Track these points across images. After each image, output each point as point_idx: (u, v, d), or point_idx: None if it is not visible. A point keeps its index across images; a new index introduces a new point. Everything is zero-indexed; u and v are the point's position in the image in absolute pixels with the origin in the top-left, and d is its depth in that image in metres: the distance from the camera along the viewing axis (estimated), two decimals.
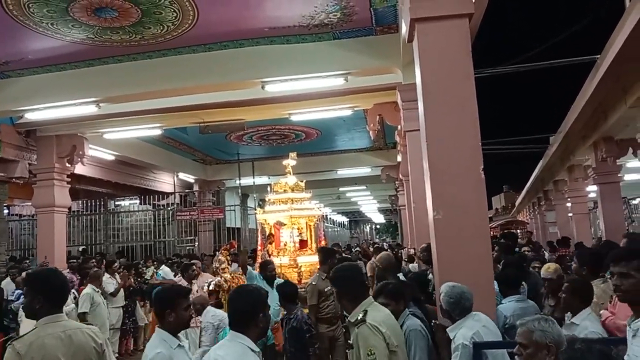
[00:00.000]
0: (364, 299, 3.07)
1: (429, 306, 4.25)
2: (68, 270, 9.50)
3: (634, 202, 12.44)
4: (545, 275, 4.64)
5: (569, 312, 3.59)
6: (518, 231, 23.28)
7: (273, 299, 6.39)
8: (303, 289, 7.60)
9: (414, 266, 7.29)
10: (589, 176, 11.16)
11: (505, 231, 17.16)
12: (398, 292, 3.64)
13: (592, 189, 13.57)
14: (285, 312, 5.70)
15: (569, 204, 15.00)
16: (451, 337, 3.31)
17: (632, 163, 12.17)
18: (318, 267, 7.39)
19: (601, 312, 3.70)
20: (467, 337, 3.19)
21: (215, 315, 5.40)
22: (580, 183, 13.22)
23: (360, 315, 2.96)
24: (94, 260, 10.21)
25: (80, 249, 15.88)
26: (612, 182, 10.04)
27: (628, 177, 15.05)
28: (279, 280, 6.86)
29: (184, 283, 7.49)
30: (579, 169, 12.87)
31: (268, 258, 8.95)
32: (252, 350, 2.51)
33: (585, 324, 3.31)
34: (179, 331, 3.00)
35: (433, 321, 3.68)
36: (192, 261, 9.24)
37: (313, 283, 6.46)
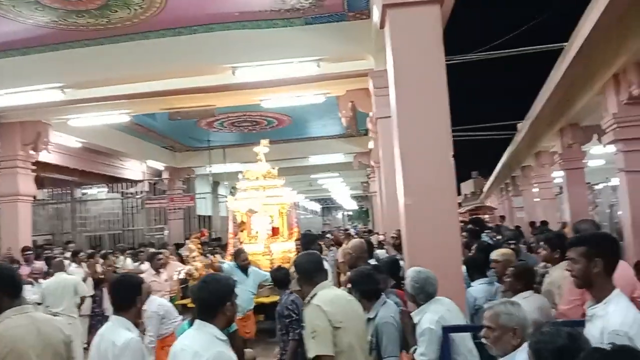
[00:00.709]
0: (319, 282, 3.13)
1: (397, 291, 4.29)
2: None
3: (597, 187, 12.77)
4: (493, 257, 4.74)
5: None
6: (487, 216, 23.72)
7: (247, 286, 6.38)
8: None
9: (382, 252, 7.35)
10: (555, 162, 11.41)
11: (473, 217, 17.46)
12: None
13: (558, 175, 13.90)
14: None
15: (535, 190, 15.33)
16: (415, 322, 3.36)
17: (596, 149, 12.48)
18: (296, 254, 7.39)
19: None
20: (432, 321, 3.24)
21: (161, 305, 5.35)
22: (547, 169, 13.51)
23: (309, 298, 3.07)
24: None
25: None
26: (577, 168, 10.28)
27: (592, 163, 15.47)
28: (253, 268, 6.84)
29: (151, 272, 7.38)
30: (546, 155, 13.14)
31: (240, 246, 8.93)
32: (219, 339, 2.50)
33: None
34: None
35: (401, 308, 3.73)
36: (161, 250, 9.11)
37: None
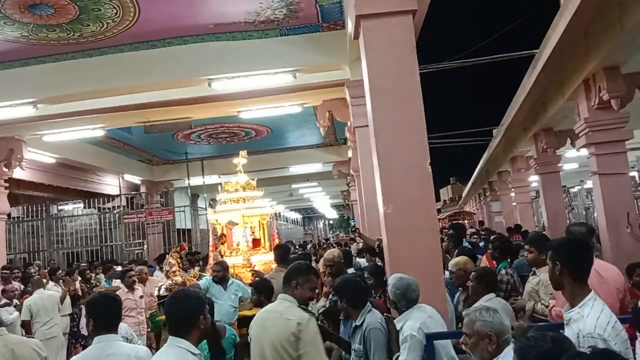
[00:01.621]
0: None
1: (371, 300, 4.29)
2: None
3: (573, 190, 12.99)
4: (450, 268, 4.81)
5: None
6: (466, 221, 23.95)
7: (226, 300, 6.23)
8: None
9: (362, 260, 7.35)
10: (531, 167, 11.58)
11: (454, 222, 17.60)
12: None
13: (534, 179, 14.10)
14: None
15: (512, 194, 15.53)
16: (398, 328, 3.36)
17: (571, 153, 12.71)
18: (274, 265, 7.30)
19: (550, 301, 3.92)
20: (414, 328, 3.25)
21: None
22: (523, 173, 13.71)
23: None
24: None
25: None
26: (552, 172, 10.44)
27: (567, 167, 15.74)
28: (233, 281, 6.73)
29: (124, 289, 7.25)
30: (521, 160, 13.33)
31: (220, 259, 8.83)
32: (192, 354, 2.46)
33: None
34: None
35: (384, 314, 3.73)
36: (139, 267, 8.92)
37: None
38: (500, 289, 4.76)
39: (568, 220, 10.67)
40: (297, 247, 14.40)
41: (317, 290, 3.18)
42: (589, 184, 10.42)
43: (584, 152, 7.22)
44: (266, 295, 4.98)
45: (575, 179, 15.48)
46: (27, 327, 7.06)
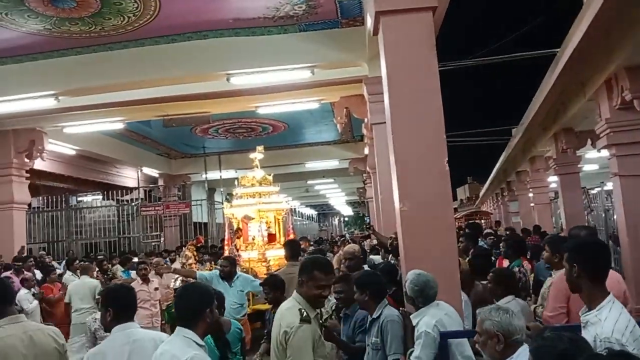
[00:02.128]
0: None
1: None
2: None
3: (592, 191, 12.82)
4: None
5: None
6: (482, 221, 23.78)
7: (230, 296, 6.13)
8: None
9: (377, 257, 7.34)
10: (550, 167, 11.44)
11: (470, 222, 17.48)
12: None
13: (553, 180, 13.93)
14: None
15: (531, 194, 15.36)
16: (414, 324, 3.36)
17: (591, 154, 12.53)
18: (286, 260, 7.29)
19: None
20: (430, 325, 3.24)
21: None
22: (542, 174, 13.55)
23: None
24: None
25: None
26: (572, 173, 10.31)
27: (587, 168, 15.52)
28: (239, 275, 6.69)
29: (139, 281, 7.32)
30: (540, 160, 13.18)
31: (236, 253, 8.90)
32: (197, 344, 2.54)
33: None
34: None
35: (400, 308, 3.74)
36: (156, 259, 8.98)
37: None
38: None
39: (587, 222, 10.52)
40: (312, 243, 14.39)
41: (325, 289, 3.04)
42: (609, 186, 10.25)
43: (605, 153, 7.12)
44: (280, 290, 4.97)
45: (595, 180, 15.26)
46: (66, 310, 7.35)
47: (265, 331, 4.77)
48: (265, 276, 8.14)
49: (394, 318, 3.52)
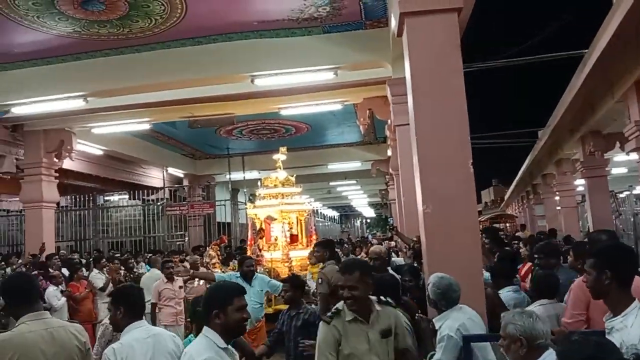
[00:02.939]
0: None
1: (405, 298, 4.28)
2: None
3: (621, 195, 12.54)
4: None
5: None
6: (507, 224, 23.46)
7: (250, 296, 6.15)
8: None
9: (399, 260, 7.32)
10: (577, 170, 11.25)
11: (486, 227, 17.24)
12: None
13: (580, 183, 13.70)
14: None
15: (557, 198, 15.12)
16: (437, 328, 3.34)
17: (619, 157, 12.28)
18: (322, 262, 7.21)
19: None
20: (452, 329, 3.22)
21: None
22: (569, 177, 13.34)
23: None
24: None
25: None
26: (599, 176, 10.14)
27: (615, 171, 15.20)
28: (258, 276, 6.69)
29: (163, 279, 7.34)
30: (567, 163, 12.97)
31: (259, 253, 8.96)
32: (218, 346, 2.52)
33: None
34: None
35: (417, 314, 3.71)
36: (194, 257, 8.98)
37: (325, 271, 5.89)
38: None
39: (614, 227, 10.31)
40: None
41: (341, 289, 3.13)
42: (638, 190, 10.04)
43: (634, 156, 6.97)
44: (300, 290, 4.98)
45: (623, 183, 14.91)
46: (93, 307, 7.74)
47: (275, 331, 4.78)
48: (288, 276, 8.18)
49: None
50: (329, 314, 3.20)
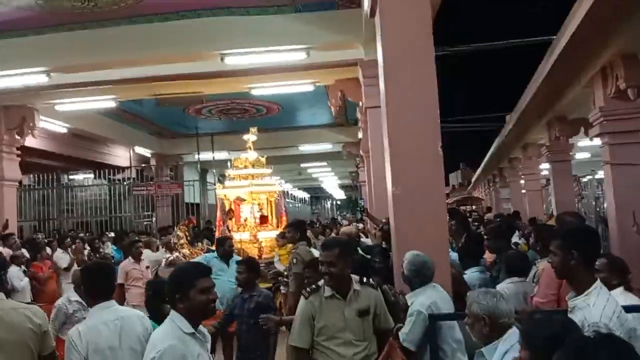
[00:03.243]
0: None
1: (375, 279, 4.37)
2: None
3: (583, 180, 12.89)
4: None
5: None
6: (474, 207, 23.88)
7: (228, 276, 6.15)
8: (264, 265, 7.60)
9: (367, 241, 7.42)
10: (542, 154, 11.49)
11: (450, 208, 17.51)
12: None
13: (544, 167, 14.01)
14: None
15: (522, 181, 15.44)
16: (409, 304, 3.40)
17: (583, 142, 12.58)
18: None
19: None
20: (424, 305, 3.29)
21: (75, 301, 4.76)
22: (534, 161, 13.60)
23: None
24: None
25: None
26: (564, 161, 10.37)
27: (579, 156, 15.59)
28: (236, 257, 6.72)
29: (131, 260, 7.29)
30: (533, 147, 13.21)
31: (228, 234, 8.91)
32: (184, 332, 2.43)
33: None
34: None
35: (385, 285, 3.75)
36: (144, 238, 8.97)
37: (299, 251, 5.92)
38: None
39: (577, 210, 10.60)
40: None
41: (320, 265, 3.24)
42: (600, 174, 10.33)
43: (597, 141, 7.15)
44: (255, 274, 4.96)
45: (586, 168, 15.33)
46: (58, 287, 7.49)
47: (226, 313, 4.82)
48: (257, 257, 8.18)
49: None
50: (308, 289, 3.25)
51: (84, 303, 4.57)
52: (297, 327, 3.18)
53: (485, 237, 4.95)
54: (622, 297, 3.37)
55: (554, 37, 6.86)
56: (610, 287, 3.80)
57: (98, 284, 2.99)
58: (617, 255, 3.90)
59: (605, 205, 8.11)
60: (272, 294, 4.89)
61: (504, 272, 4.20)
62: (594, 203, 10.74)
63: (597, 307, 2.36)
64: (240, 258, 6.94)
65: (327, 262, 3.14)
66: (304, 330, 3.14)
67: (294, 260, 5.81)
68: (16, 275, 7.13)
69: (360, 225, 9.16)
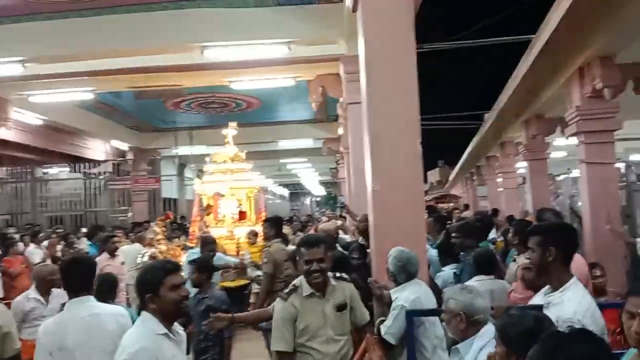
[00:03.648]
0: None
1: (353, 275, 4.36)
2: None
3: (559, 178, 13.09)
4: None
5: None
6: (451, 204, 24.10)
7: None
8: (242, 259, 7.56)
9: (346, 237, 7.44)
10: (520, 152, 11.63)
11: (427, 205, 17.65)
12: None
13: (521, 165, 14.19)
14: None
15: (499, 179, 15.63)
16: (393, 298, 3.42)
17: (559, 141, 12.78)
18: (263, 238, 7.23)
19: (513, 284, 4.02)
20: (408, 300, 3.32)
21: (32, 299, 4.57)
22: (511, 159, 13.77)
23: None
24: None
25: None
26: (540, 159, 10.51)
27: (555, 155, 15.83)
28: (217, 254, 6.68)
29: (106, 255, 7.19)
30: (510, 146, 13.38)
31: (205, 229, 8.84)
32: (157, 333, 2.35)
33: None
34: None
35: (369, 279, 3.76)
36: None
37: (270, 250, 5.99)
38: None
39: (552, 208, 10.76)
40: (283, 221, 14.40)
41: (311, 263, 3.12)
42: (575, 173, 10.50)
43: (573, 140, 7.26)
44: (207, 274, 4.82)
45: (562, 167, 15.58)
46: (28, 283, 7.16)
47: None
48: (235, 254, 8.14)
49: None
50: (286, 290, 3.20)
51: (42, 300, 4.48)
52: (279, 330, 3.08)
53: (453, 235, 4.96)
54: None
55: (533, 36, 6.94)
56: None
57: (73, 278, 2.90)
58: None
59: (579, 203, 8.25)
60: (225, 295, 4.75)
61: (470, 269, 4.22)
62: (568, 201, 10.93)
63: (571, 303, 2.40)
64: (221, 255, 6.95)
65: (316, 259, 3.10)
66: (287, 332, 3.06)
67: (265, 260, 5.82)
68: None
69: (339, 222, 9.16)
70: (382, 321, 3.38)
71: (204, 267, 4.81)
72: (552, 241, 2.53)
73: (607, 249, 6.10)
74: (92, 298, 2.90)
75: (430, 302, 3.48)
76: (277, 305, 3.15)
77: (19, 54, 7.72)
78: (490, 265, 4.22)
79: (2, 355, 2.68)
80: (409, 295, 3.35)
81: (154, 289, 2.37)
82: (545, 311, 2.49)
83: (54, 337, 2.66)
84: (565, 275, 2.52)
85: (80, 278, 2.93)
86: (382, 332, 3.32)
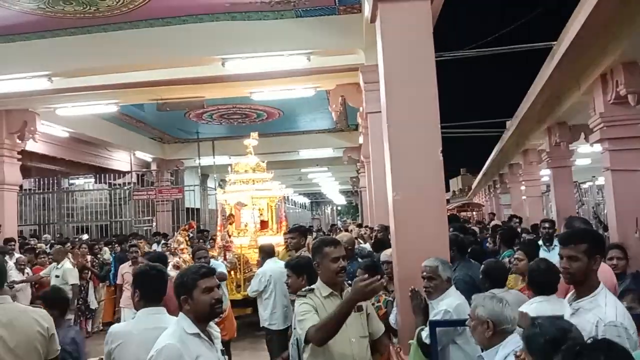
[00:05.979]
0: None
1: None
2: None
3: (584, 186, 12.89)
4: (384, 259, 4.71)
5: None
6: (474, 213, 23.87)
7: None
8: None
9: (367, 246, 7.43)
10: (543, 160, 11.48)
11: (450, 214, 17.51)
12: None
13: (545, 173, 14.00)
14: None
15: (523, 187, 15.43)
16: (435, 306, 3.44)
17: (583, 148, 12.59)
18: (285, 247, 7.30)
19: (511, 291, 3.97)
20: (451, 305, 3.31)
21: None
22: (534, 167, 13.60)
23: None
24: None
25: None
26: (564, 167, 10.37)
27: (580, 162, 15.59)
28: (214, 262, 6.77)
29: (128, 264, 7.36)
30: (533, 153, 13.22)
31: (228, 239, 8.91)
32: (187, 332, 2.48)
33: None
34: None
35: (411, 287, 3.72)
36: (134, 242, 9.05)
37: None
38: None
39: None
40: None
41: (339, 260, 3.10)
42: (600, 180, 10.32)
43: (597, 147, 7.15)
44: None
45: (587, 174, 15.33)
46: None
47: None
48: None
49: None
50: (303, 290, 3.22)
51: None
52: (305, 314, 2.98)
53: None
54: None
55: (554, 43, 6.87)
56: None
57: (146, 288, 2.97)
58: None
59: (605, 211, 8.10)
60: None
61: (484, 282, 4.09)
62: (593, 209, 10.73)
63: (610, 307, 2.40)
64: (219, 263, 7.05)
65: (342, 256, 3.13)
66: (315, 314, 2.98)
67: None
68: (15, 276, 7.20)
69: (363, 231, 9.14)
70: (422, 329, 3.38)
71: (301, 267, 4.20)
72: (598, 250, 2.54)
73: (633, 255, 5.96)
74: (163, 310, 2.93)
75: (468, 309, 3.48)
76: (297, 302, 3.13)
77: (46, 69, 7.93)
78: (501, 278, 4.14)
79: (47, 356, 2.75)
80: (453, 301, 3.36)
81: (189, 291, 2.52)
82: (575, 317, 2.46)
83: (116, 345, 2.77)
84: (596, 281, 2.51)
85: (155, 289, 2.98)
86: (423, 337, 3.32)
